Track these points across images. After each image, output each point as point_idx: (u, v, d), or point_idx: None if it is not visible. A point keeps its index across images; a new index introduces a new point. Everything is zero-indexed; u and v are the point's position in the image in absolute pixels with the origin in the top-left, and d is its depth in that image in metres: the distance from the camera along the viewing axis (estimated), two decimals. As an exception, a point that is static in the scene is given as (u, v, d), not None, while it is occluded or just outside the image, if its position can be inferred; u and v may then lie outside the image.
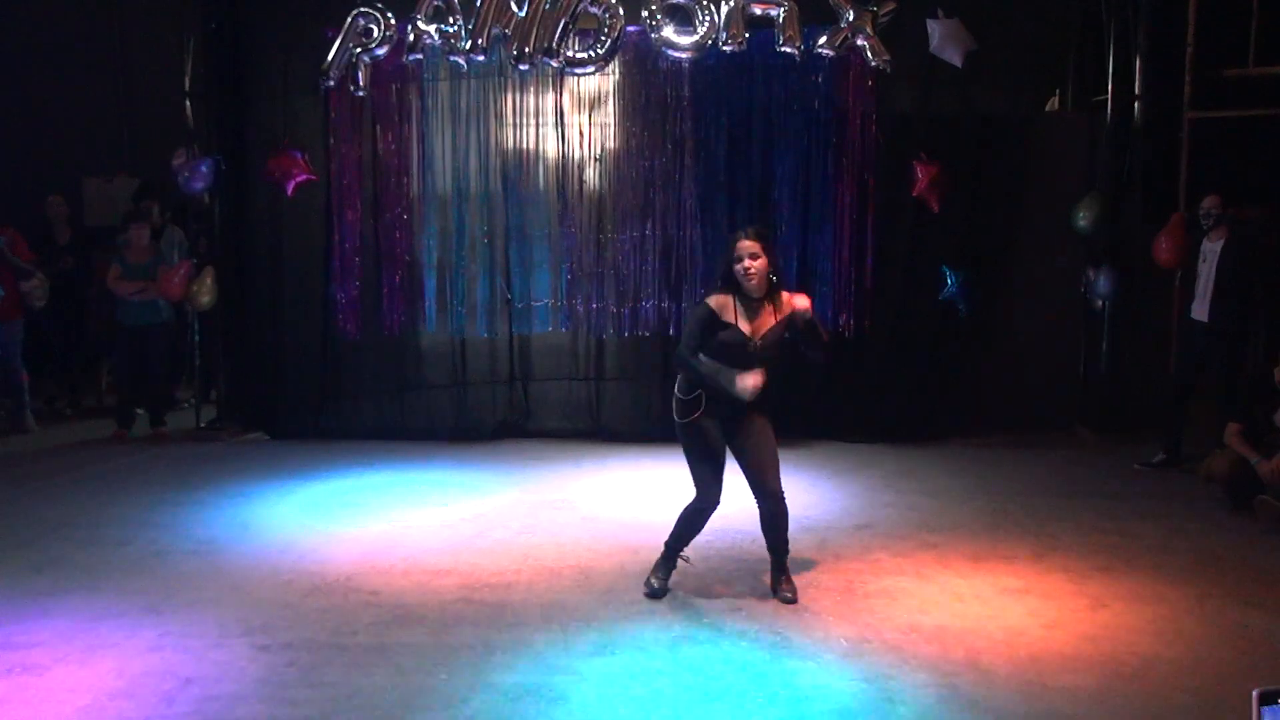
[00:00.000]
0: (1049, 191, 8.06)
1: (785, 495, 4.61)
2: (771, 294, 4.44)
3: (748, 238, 4.40)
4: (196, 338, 8.45)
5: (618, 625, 4.36)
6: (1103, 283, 7.84)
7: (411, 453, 7.62)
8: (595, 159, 7.96)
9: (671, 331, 7.89)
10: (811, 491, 6.53)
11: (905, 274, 7.92)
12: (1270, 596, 4.69)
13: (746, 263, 4.33)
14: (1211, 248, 6.81)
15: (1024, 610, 4.51)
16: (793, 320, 4.45)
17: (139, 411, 8.42)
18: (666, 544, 4.72)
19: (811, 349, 4.55)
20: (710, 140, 7.84)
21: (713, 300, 4.46)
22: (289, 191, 7.98)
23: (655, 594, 4.63)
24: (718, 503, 4.61)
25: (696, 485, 4.59)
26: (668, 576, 4.72)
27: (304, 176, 7.96)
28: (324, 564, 5.15)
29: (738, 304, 4.42)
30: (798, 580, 4.84)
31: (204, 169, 8.09)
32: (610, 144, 7.95)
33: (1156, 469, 7.00)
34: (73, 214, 9.81)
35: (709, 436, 4.51)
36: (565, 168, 7.96)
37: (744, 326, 4.41)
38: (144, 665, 3.97)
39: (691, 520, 4.67)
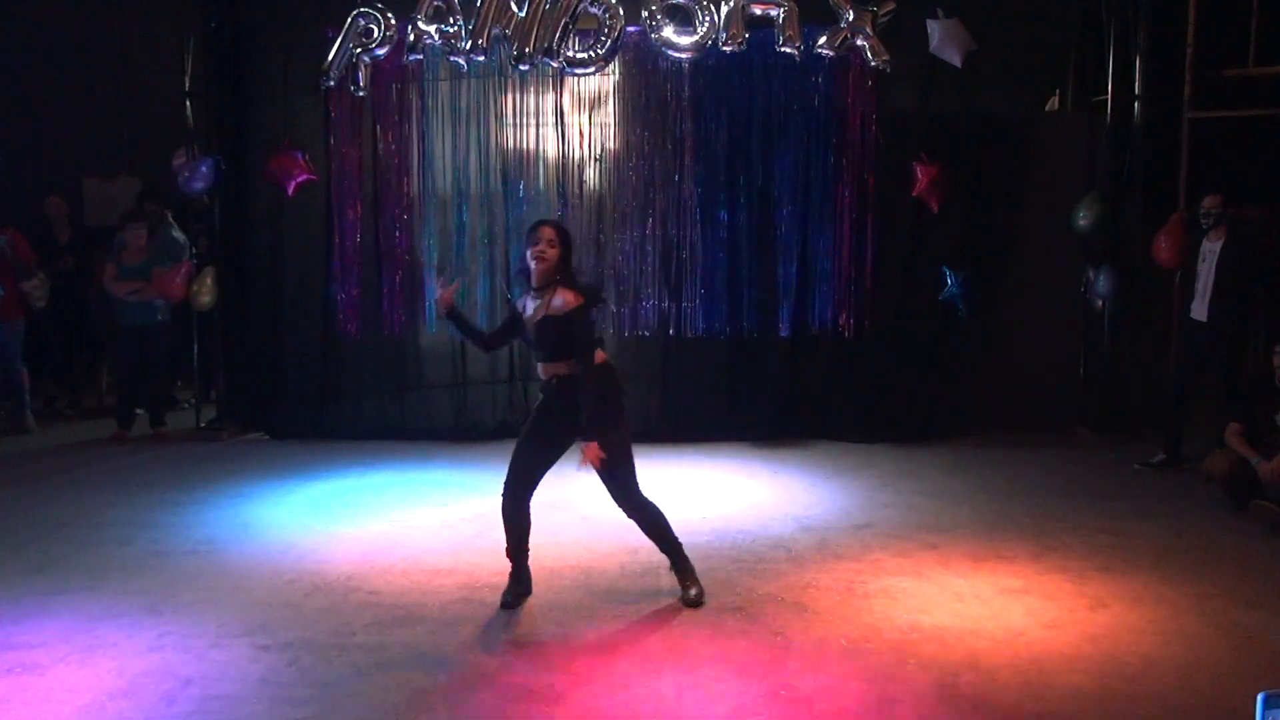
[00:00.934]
0: (1049, 191, 8.06)
1: (638, 497, 4.55)
2: (550, 286, 4.41)
3: (548, 226, 4.49)
4: (195, 337, 8.46)
5: (618, 625, 4.36)
6: (1103, 283, 7.83)
7: (411, 453, 7.63)
8: (595, 159, 7.96)
9: (671, 332, 7.90)
10: (811, 491, 6.53)
11: (905, 274, 7.94)
12: (1270, 596, 4.68)
13: (542, 247, 4.38)
14: (1211, 248, 6.80)
15: (1024, 610, 4.50)
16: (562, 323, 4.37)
17: (139, 411, 8.43)
18: (506, 552, 4.64)
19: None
20: (710, 140, 7.85)
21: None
22: (289, 191, 8.00)
23: (509, 605, 4.55)
24: (509, 493, 4.57)
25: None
26: (525, 580, 4.67)
27: (304, 176, 7.98)
28: (324, 564, 5.16)
29: (528, 290, 4.51)
30: (798, 580, 4.83)
31: (204, 169, 8.10)
32: (610, 144, 7.96)
33: (1156, 469, 7.00)
34: (73, 214, 9.82)
35: (530, 428, 4.60)
36: (565, 168, 7.96)
37: (528, 306, 4.50)
38: (144, 665, 3.97)
39: (504, 517, 4.60)
